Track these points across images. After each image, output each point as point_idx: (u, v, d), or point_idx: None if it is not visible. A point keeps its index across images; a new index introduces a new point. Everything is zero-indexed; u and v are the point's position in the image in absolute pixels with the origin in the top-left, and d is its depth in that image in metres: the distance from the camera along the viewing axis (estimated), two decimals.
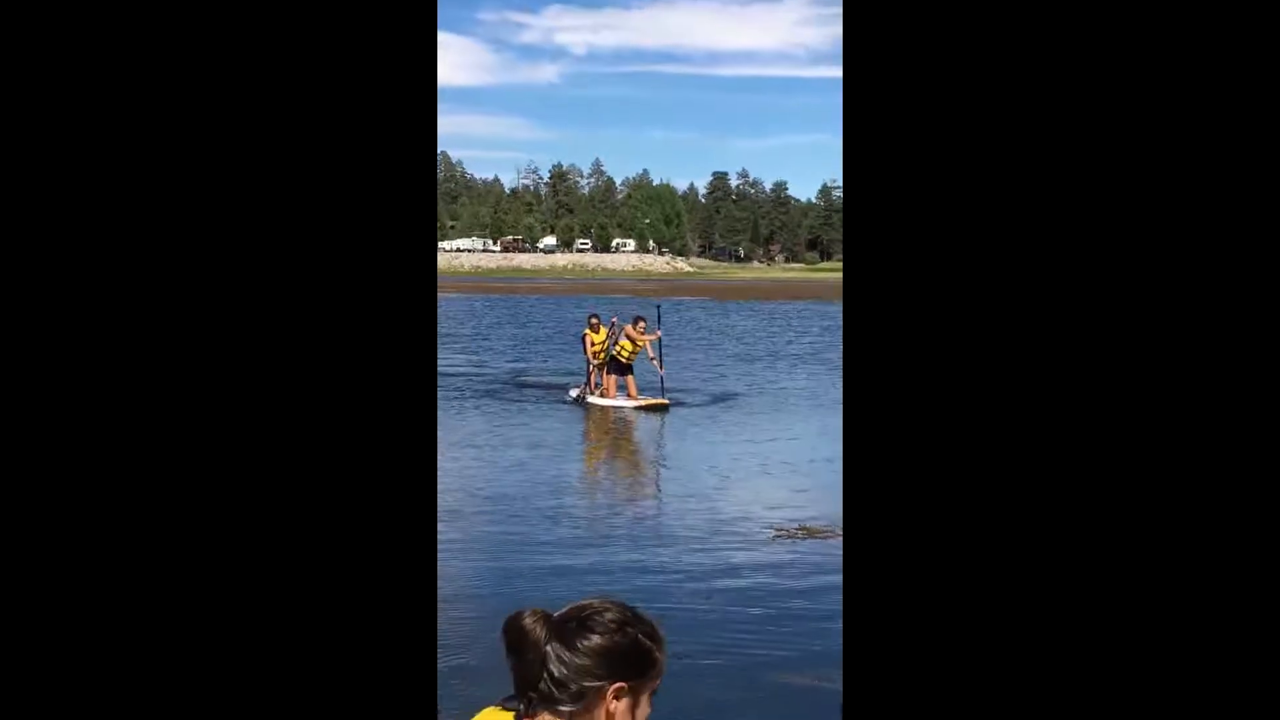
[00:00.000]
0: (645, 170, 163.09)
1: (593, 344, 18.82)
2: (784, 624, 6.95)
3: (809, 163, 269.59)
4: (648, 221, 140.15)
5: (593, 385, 18.67)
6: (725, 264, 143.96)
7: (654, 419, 16.75)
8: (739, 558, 8.63)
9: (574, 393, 18.78)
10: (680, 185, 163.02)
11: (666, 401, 17.62)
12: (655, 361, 18.27)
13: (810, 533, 9.27)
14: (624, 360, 18.34)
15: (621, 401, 17.88)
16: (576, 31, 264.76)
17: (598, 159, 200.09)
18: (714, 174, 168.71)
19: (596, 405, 18.10)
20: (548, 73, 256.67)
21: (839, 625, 6.86)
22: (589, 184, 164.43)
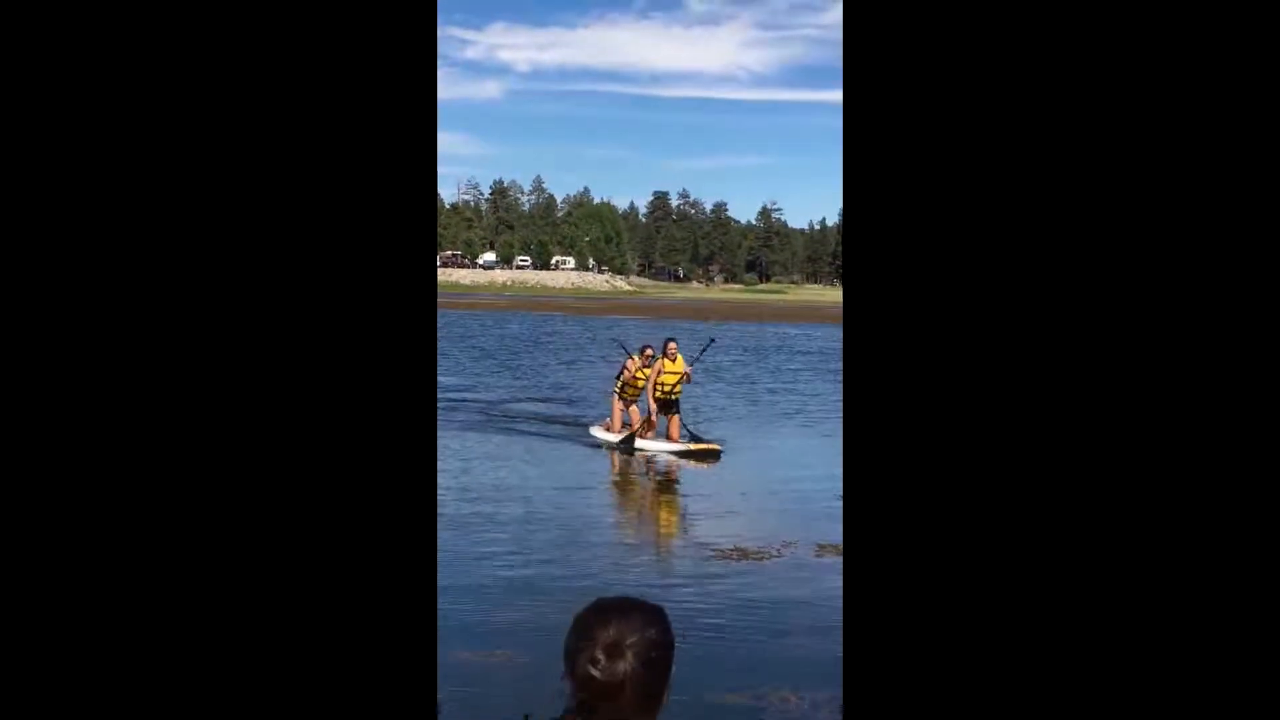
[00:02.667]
0: (586, 188, 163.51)
1: (640, 373, 15.12)
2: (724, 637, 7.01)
3: (749, 184, 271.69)
4: (588, 239, 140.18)
5: (631, 423, 15.05)
6: (665, 284, 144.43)
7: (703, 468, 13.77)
8: (676, 576, 8.66)
9: (600, 433, 15.32)
10: (621, 204, 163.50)
11: (718, 446, 14.30)
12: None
13: (745, 554, 9.33)
14: (667, 396, 14.82)
15: (661, 445, 14.62)
16: (520, 49, 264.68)
17: (539, 176, 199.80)
18: (655, 193, 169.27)
19: (609, 443, 14.92)
20: (490, 89, 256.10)
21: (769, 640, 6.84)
22: (530, 200, 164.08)
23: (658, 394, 14.71)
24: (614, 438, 14.96)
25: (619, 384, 15.47)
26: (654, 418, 14.96)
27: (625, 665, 1.71)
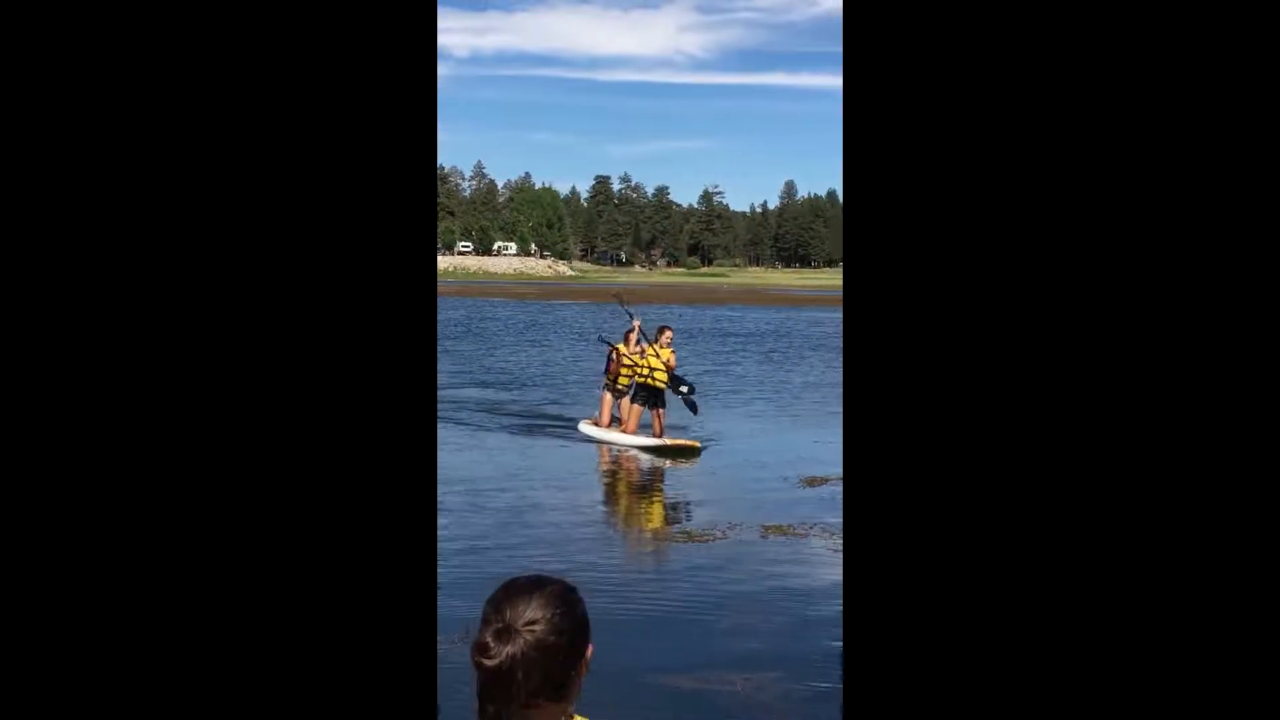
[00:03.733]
0: (528, 173, 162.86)
1: (621, 359, 14.09)
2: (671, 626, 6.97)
3: (691, 168, 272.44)
4: (530, 225, 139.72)
5: (623, 418, 14.04)
6: (607, 268, 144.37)
7: (680, 467, 12.83)
8: (617, 559, 8.62)
9: (590, 429, 14.33)
10: (562, 189, 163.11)
11: (696, 443, 13.33)
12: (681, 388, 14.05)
13: (690, 536, 9.31)
14: (655, 385, 13.73)
15: (642, 440, 13.54)
16: (458, 34, 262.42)
17: (479, 161, 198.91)
18: (596, 178, 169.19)
19: (600, 440, 13.91)
20: None
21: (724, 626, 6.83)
22: (470, 186, 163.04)
23: (648, 382, 13.70)
24: (608, 434, 13.98)
25: (608, 376, 14.46)
26: (627, 410, 14.00)
27: (513, 649, 1.62)
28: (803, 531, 9.36)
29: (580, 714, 1.74)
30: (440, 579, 7.65)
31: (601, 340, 15.33)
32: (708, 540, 9.18)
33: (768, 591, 7.69)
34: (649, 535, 9.57)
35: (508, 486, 11.03)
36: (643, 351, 13.92)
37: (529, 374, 22.06)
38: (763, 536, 9.22)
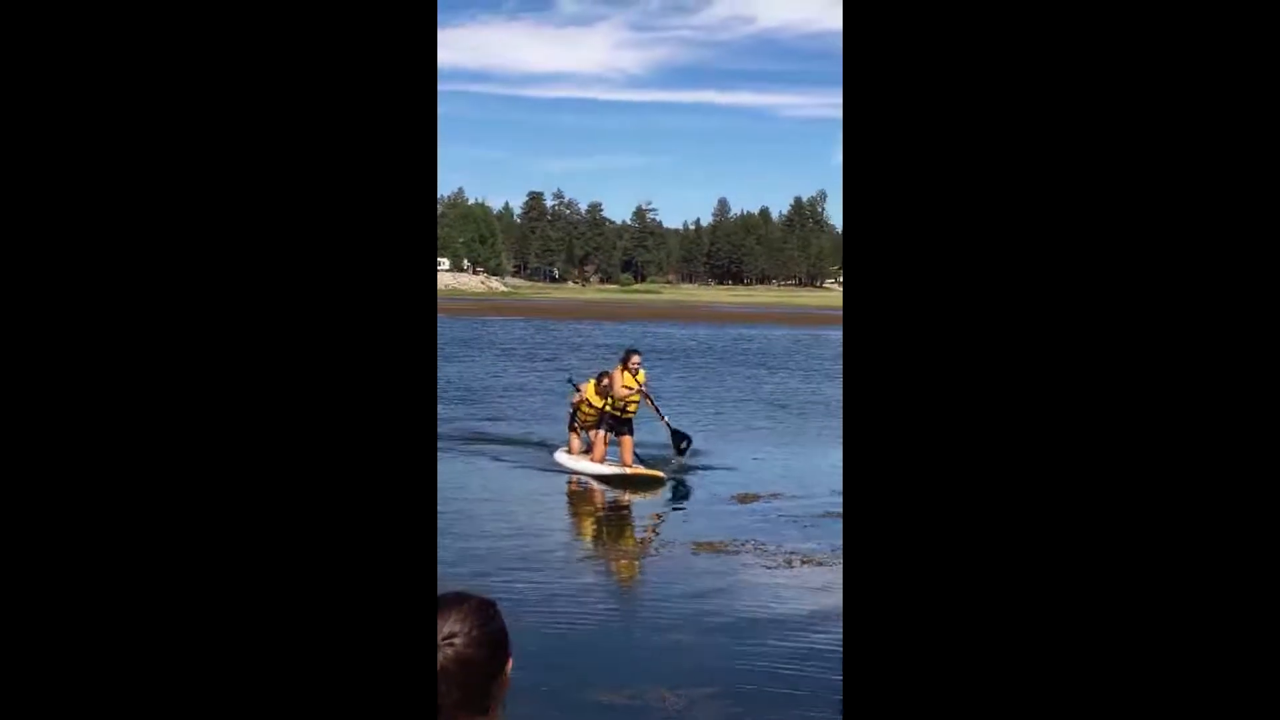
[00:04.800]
0: (460, 189, 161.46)
1: (583, 398, 13.76)
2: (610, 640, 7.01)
3: (624, 185, 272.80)
4: (462, 240, 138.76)
5: (594, 444, 13.52)
6: (540, 284, 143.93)
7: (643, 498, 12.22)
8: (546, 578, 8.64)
9: (565, 459, 13.81)
10: (495, 204, 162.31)
11: (660, 473, 12.72)
12: (659, 414, 13.72)
13: (624, 553, 9.36)
14: (620, 414, 13.16)
15: (602, 469, 13.00)
16: None
17: None
18: (529, 194, 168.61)
19: (570, 469, 13.42)
20: None
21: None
22: None
23: (613, 411, 13.07)
24: (583, 464, 13.39)
25: (570, 413, 14.25)
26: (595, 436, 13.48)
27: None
28: (734, 549, 9.44)
29: None
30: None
31: (570, 382, 14.96)
32: (641, 556, 9.24)
33: (707, 607, 7.75)
34: (582, 552, 9.60)
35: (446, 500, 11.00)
36: (608, 393, 13.22)
37: (464, 384, 21.97)
38: (694, 553, 9.29)
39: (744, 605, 7.86)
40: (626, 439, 13.02)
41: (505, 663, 1.74)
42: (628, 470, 12.77)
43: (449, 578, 8.05)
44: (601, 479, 12.82)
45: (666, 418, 13.89)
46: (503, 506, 11.53)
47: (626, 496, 12.26)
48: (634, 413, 13.17)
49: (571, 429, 14.14)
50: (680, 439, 13.79)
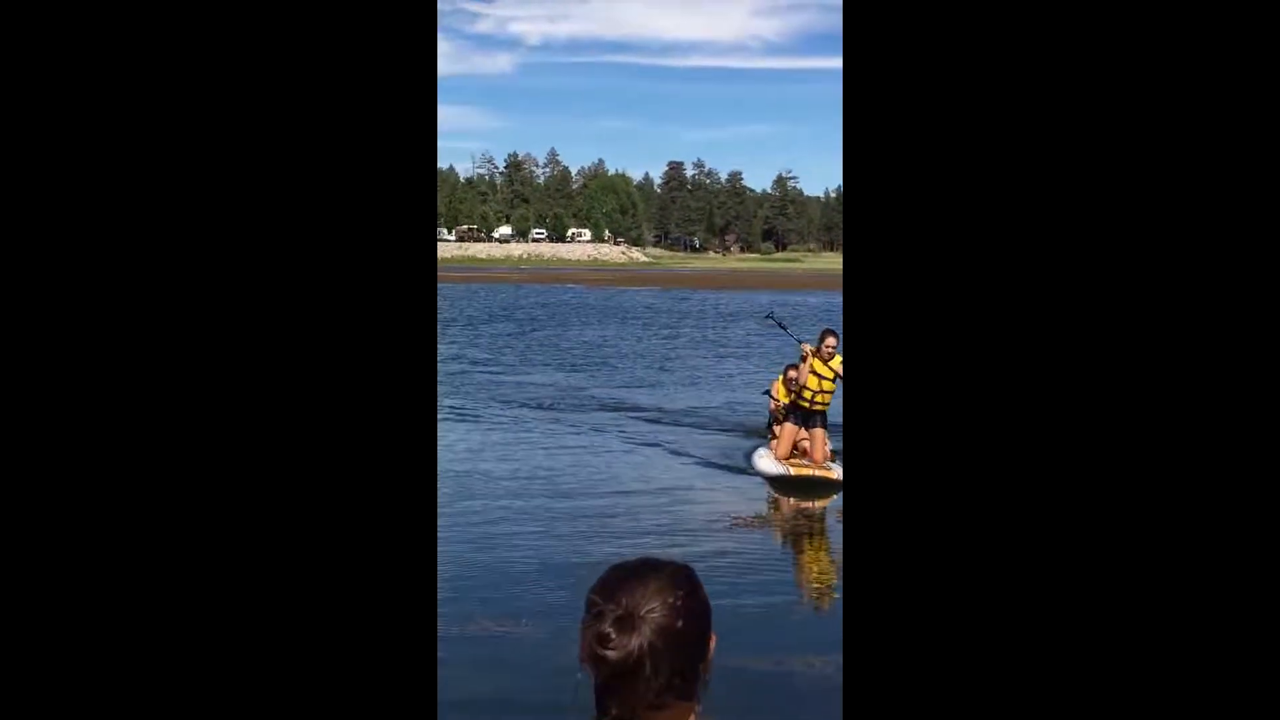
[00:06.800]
0: (601, 160, 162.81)
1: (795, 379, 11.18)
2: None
3: (764, 153, 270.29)
4: (603, 211, 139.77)
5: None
6: (681, 254, 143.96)
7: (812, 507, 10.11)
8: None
9: (765, 463, 11.08)
10: (636, 175, 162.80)
11: (834, 474, 10.43)
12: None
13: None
14: (810, 405, 10.87)
15: (779, 469, 10.80)
16: (531, 21, 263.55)
17: (553, 148, 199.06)
18: (669, 164, 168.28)
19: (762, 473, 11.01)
20: (502, 62, 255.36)
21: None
22: (544, 173, 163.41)
23: (801, 403, 10.88)
24: (764, 462, 11.09)
25: (781, 390, 11.64)
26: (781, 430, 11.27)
27: (640, 640, 1.44)
28: None
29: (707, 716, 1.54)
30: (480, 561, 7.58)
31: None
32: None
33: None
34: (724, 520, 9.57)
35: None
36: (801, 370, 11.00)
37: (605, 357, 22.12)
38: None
39: None
40: (818, 432, 10.90)
41: (710, 639, 1.54)
42: (806, 472, 10.67)
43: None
44: (773, 482, 10.75)
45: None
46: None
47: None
48: (825, 404, 10.89)
49: (790, 414, 11.15)
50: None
